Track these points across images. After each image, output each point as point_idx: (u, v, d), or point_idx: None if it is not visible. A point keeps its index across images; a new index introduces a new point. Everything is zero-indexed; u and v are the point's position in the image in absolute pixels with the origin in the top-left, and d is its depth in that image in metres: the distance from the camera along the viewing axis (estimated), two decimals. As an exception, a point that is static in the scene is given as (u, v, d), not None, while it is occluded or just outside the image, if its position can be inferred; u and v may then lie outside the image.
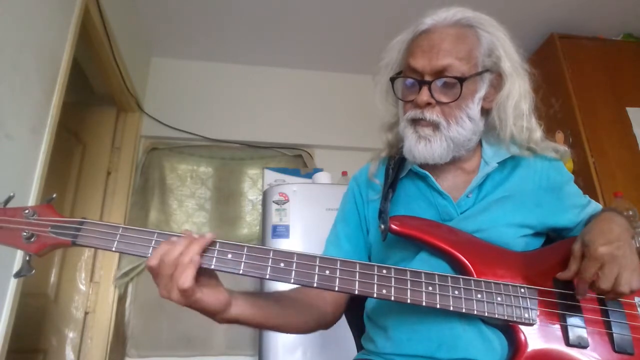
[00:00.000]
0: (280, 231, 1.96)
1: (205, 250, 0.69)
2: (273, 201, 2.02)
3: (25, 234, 0.69)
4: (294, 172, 2.58)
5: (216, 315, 0.71)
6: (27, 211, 0.71)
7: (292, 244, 1.92)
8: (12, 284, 1.29)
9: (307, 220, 1.96)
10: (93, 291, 2.27)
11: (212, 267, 0.69)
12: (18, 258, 1.27)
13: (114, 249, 0.70)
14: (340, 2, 2.35)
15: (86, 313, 2.23)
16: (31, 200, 1.37)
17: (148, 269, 0.67)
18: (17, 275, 0.69)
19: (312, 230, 1.92)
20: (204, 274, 0.69)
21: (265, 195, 2.10)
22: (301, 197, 2.01)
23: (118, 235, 0.70)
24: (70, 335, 2.17)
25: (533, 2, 2.35)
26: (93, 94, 2.47)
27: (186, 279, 0.64)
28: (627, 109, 2.27)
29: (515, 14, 2.37)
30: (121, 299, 2.31)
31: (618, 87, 2.32)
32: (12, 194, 0.72)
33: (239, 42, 2.69)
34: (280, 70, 2.93)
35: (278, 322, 0.83)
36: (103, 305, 2.25)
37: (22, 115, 1.35)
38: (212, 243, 0.70)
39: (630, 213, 1.83)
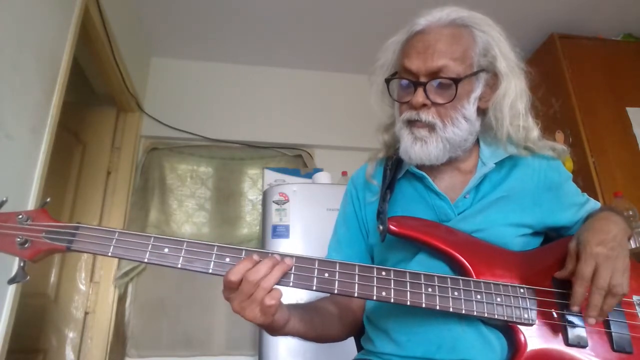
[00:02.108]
0: (280, 231, 1.96)
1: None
2: (273, 201, 2.02)
3: (19, 239, 0.67)
4: (294, 172, 2.58)
5: (277, 330, 0.73)
6: (20, 216, 0.69)
7: (292, 244, 1.91)
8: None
9: (307, 220, 1.96)
10: (93, 291, 2.27)
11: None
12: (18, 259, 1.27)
13: (110, 254, 0.69)
14: (340, 2, 2.35)
15: (86, 313, 2.24)
16: (31, 200, 1.37)
17: (226, 282, 0.68)
18: (12, 281, 0.68)
19: (312, 230, 1.92)
20: None
21: (265, 195, 2.10)
22: (301, 197, 2.01)
23: (114, 240, 0.69)
24: (70, 335, 2.17)
25: (533, 2, 2.35)
26: (93, 94, 2.47)
27: (275, 303, 0.66)
28: (627, 109, 2.27)
29: (515, 14, 2.37)
30: (121, 299, 2.31)
31: (618, 87, 2.32)
32: (5, 199, 0.70)
33: (239, 42, 2.69)
34: (280, 70, 2.93)
35: (318, 333, 0.85)
36: (103, 305, 2.25)
37: (22, 115, 1.35)
38: (211, 247, 0.70)
39: (630, 213, 1.83)
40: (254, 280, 0.66)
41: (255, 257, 0.69)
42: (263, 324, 0.69)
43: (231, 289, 0.68)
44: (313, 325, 0.82)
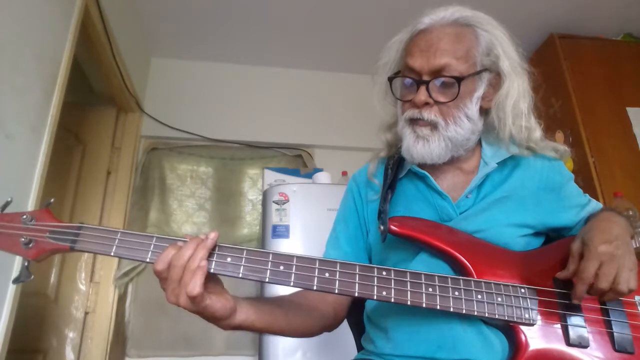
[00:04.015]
0: (280, 231, 1.96)
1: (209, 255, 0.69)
2: (273, 201, 2.02)
3: (23, 239, 0.68)
4: (294, 172, 2.58)
5: (222, 321, 0.71)
6: (25, 216, 0.70)
7: (292, 244, 1.92)
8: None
9: (307, 220, 1.96)
10: (93, 291, 2.27)
11: (212, 270, 0.69)
12: (18, 259, 1.27)
13: (112, 254, 0.69)
14: (340, 2, 2.35)
15: (86, 313, 2.23)
16: (31, 200, 1.37)
17: (155, 274, 0.67)
18: (16, 281, 0.69)
19: (312, 230, 1.92)
20: (209, 280, 0.68)
21: (265, 195, 2.10)
22: (301, 197, 2.01)
23: (117, 240, 0.69)
24: (70, 335, 2.17)
25: (533, 2, 2.35)
26: (93, 94, 2.47)
27: (195, 285, 0.64)
28: (627, 109, 2.28)
29: (515, 14, 2.37)
30: (121, 299, 2.31)
31: (618, 87, 2.32)
32: (9, 199, 0.71)
33: (239, 42, 2.69)
34: (280, 70, 2.93)
35: (281, 326, 0.82)
36: (103, 305, 2.25)
37: (22, 115, 1.35)
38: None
39: (630, 213, 1.83)
40: (180, 264, 0.65)
41: (180, 243, 0.68)
42: (197, 312, 0.67)
43: (162, 278, 0.67)
44: (272, 318, 0.79)
